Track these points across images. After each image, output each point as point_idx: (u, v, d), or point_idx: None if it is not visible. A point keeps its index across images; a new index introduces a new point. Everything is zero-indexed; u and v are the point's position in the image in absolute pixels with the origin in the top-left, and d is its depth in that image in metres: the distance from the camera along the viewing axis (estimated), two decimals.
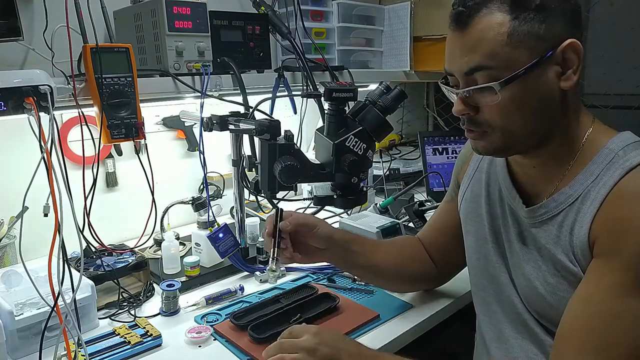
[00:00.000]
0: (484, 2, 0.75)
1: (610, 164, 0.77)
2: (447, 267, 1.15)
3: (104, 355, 0.97)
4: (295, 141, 0.98)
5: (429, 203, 1.60)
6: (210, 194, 1.56)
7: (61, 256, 0.84)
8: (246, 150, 1.27)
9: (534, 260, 0.86)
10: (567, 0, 0.76)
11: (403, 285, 1.17)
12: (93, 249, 1.22)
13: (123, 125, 1.10)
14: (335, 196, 1.03)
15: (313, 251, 1.06)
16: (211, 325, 1.07)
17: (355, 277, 1.27)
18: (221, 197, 1.66)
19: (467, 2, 0.77)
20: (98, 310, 1.11)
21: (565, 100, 0.79)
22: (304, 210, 1.69)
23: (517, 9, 0.74)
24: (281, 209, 1.02)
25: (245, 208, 1.42)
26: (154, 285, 1.26)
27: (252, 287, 1.27)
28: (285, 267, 1.33)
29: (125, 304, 1.17)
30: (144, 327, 1.05)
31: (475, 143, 0.84)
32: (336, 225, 1.55)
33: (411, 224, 1.57)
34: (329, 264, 1.27)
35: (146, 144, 1.37)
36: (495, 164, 0.97)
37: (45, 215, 0.87)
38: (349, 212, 1.62)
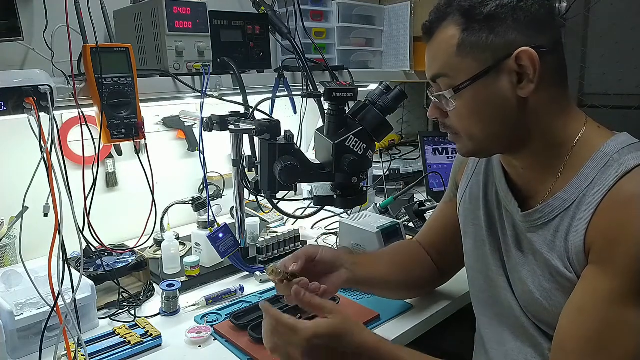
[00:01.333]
0: (443, 17, 0.80)
1: (605, 168, 0.76)
2: (447, 267, 1.15)
3: (104, 355, 0.97)
4: (295, 141, 0.98)
5: (429, 203, 1.60)
6: (210, 194, 1.56)
7: (61, 256, 0.84)
8: (246, 150, 1.27)
9: (529, 264, 0.86)
10: (520, 9, 0.76)
11: (409, 293, 1.15)
12: (93, 249, 1.22)
13: (123, 125, 1.10)
14: (335, 196, 1.03)
15: (322, 279, 0.99)
16: (211, 325, 1.07)
17: None
18: (221, 197, 1.66)
19: (431, 16, 0.83)
20: (98, 310, 1.11)
21: (533, 105, 0.79)
22: (304, 211, 1.70)
23: (467, 22, 0.78)
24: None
25: (245, 208, 1.42)
26: (154, 285, 1.26)
27: (252, 287, 1.28)
28: None
29: (125, 304, 1.17)
30: (144, 327, 1.05)
31: (456, 145, 0.89)
32: (336, 225, 1.55)
33: (411, 224, 1.57)
34: None
35: (146, 144, 1.37)
36: (492, 165, 0.97)
37: (45, 215, 0.87)
38: (349, 212, 1.62)
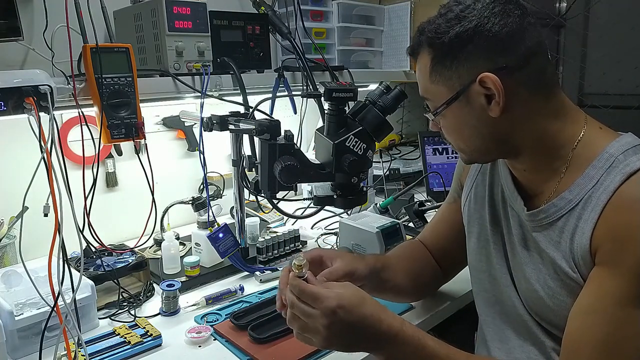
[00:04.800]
0: (418, 44, 0.84)
1: (611, 169, 0.76)
2: (450, 267, 1.14)
3: (104, 355, 0.97)
4: (295, 141, 0.98)
5: (429, 203, 1.60)
6: (210, 194, 1.56)
7: (61, 256, 0.84)
8: (246, 150, 1.27)
9: (534, 263, 0.86)
10: (479, 33, 0.76)
11: (415, 296, 1.14)
12: (93, 249, 1.22)
13: (123, 125, 1.10)
14: (335, 196, 1.03)
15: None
16: (211, 325, 1.07)
17: None
18: (221, 197, 1.66)
19: (412, 43, 0.87)
20: (98, 310, 1.11)
21: (512, 120, 0.80)
22: (304, 211, 1.70)
23: (433, 51, 0.81)
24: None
25: (245, 208, 1.42)
26: (154, 285, 1.26)
27: (252, 287, 1.27)
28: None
29: (125, 304, 1.17)
30: (144, 327, 1.05)
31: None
32: (336, 225, 1.55)
33: (411, 224, 1.57)
34: None
35: (146, 144, 1.37)
36: (498, 165, 0.97)
37: (45, 215, 0.87)
38: (349, 212, 1.62)
